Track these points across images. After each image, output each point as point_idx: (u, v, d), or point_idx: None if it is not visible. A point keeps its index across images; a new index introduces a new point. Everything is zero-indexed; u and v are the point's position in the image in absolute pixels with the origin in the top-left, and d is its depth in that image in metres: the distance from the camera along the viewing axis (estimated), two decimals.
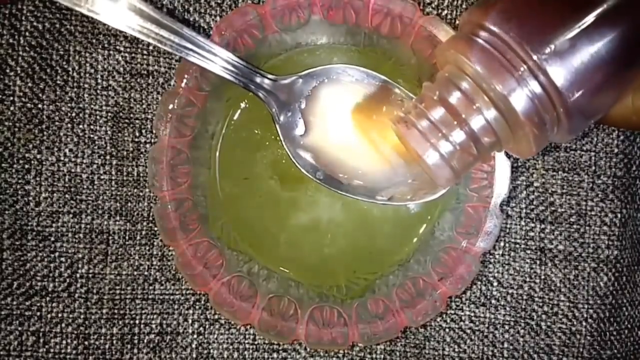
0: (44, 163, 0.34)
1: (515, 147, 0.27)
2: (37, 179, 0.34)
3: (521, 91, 0.24)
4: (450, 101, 0.26)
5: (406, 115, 0.27)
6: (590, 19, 0.24)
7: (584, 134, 0.35)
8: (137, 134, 0.34)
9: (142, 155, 0.34)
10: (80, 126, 0.34)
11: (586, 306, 0.35)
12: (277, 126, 0.31)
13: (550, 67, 0.24)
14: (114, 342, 0.34)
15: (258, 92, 0.31)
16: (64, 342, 0.34)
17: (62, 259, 0.34)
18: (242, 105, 0.33)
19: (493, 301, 0.35)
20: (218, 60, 0.30)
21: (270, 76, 0.31)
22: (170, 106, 0.31)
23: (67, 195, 0.34)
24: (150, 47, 0.34)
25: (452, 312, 0.35)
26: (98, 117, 0.34)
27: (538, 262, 0.35)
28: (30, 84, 0.33)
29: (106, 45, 0.34)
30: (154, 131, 0.34)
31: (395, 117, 0.28)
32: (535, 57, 0.24)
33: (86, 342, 0.34)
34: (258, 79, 0.31)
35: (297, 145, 0.32)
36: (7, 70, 0.33)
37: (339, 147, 0.32)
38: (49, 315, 0.34)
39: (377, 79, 0.32)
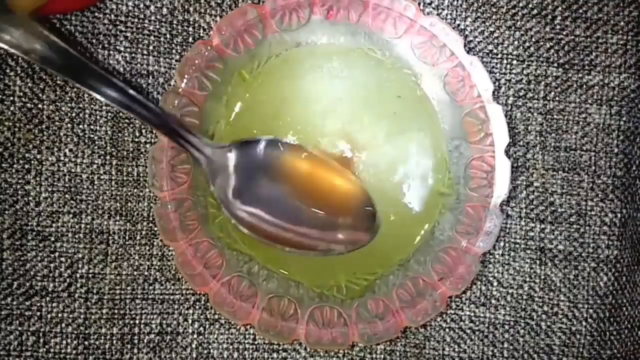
0: (44, 163, 0.34)
1: None
2: (37, 179, 0.34)
3: None
4: None
5: None
6: None
7: (584, 134, 0.35)
8: (137, 134, 0.34)
9: (142, 155, 0.34)
10: (80, 126, 0.34)
11: (586, 306, 0.35)
12: (211, 189, 0.32)
13: None
14: (114, 342, 0.34)
15: (194, 152, 0.31)
16: (64, 342, 0.34)
17: (62, 259, 0.34)
18: (240, 105, 0.33)
19: (493, 301, 0.35)
20: (149, 115, 0.30)
21: (206, 141, 0.31)
22: (170, 106, 0.31)
23: (67, 195, 0.34)
24: (151, 47, 0.34)
25: (452, 312, 0.35)
26: (98, 117, 0.34)
27: (538, 262, 0.35)
28: (30, 84, 0.33)
29: (106, 45, 0.34)
30: (154, 131, 0.34)
31: None
32: None
33: (86, 342, 0.34)
34: (195, 141, 0.31)
35: (236, 209, 0.32)
36: (7, 70, 0.33)
37: (275, 216, 0.32)
38: (49, 315, 0.34)
39: (307, 154, 0.32)
